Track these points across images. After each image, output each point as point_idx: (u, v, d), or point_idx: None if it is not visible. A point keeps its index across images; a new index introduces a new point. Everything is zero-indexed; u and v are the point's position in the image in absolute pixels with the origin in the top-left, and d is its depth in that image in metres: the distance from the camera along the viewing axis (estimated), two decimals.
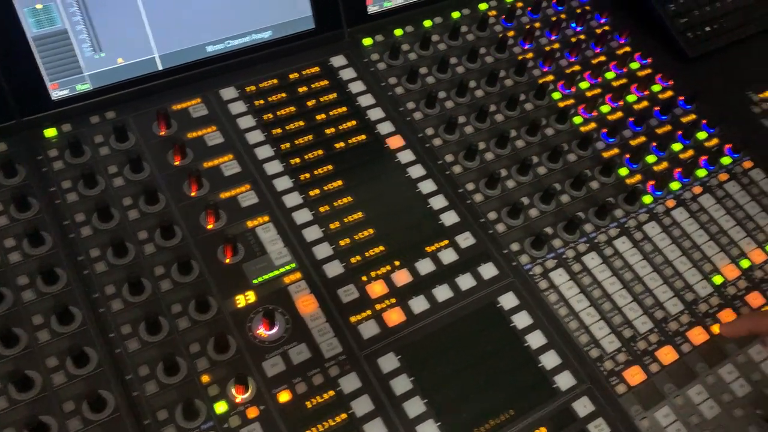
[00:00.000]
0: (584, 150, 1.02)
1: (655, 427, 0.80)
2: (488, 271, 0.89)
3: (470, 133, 1.01)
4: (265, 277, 0.84)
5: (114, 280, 0.80)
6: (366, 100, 1.02)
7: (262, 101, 0.99)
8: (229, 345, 0.78)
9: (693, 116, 1.10)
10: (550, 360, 0.83)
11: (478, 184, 0.96)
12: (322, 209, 0.90)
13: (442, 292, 0.86)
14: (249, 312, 0.81)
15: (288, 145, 0.95)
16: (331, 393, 0.77)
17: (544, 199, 0.95)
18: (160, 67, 0.96)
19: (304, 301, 0.83)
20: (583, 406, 0.81)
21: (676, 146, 1.06)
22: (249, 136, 0.95)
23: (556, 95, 1.08)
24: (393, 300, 0.85)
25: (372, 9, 1.09)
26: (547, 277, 0.90)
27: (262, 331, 0.79)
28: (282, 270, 0.84)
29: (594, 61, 1.13)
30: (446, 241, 0.91)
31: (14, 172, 0.86)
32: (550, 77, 1.10)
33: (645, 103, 1.10)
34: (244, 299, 0.82)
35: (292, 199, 0.90)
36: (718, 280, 0.93)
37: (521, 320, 0.86)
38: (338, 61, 1.05)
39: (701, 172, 1.03)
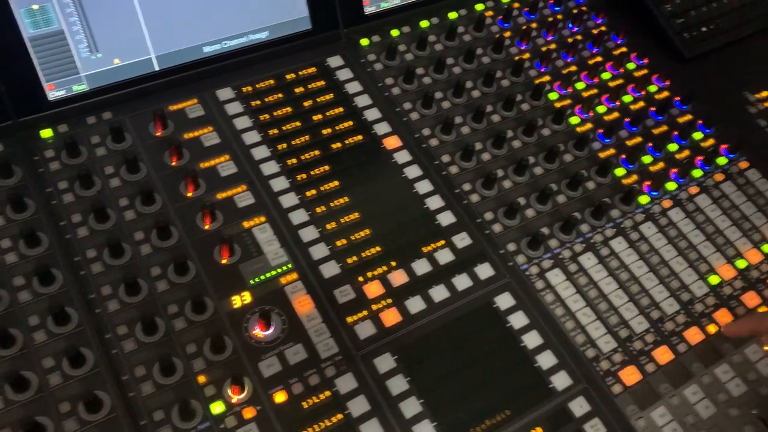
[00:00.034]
0: (580, 150, 1.02)
1: (651, 427, 0.81)
2: (485, 271, 0.89)
3: (467, 134, 1.01)
4: (262, 277, 0.84)
5: (110, 281, 0.80)
6: (363, 100, 1.02)
7: (258, 102, 0.99)
8: (226, 345, 0.78)
9: (689, 116, 1.10)
10: (546, 360, 0.83)
11: (475, 184, 0.96)
12: (318, 210, 0.90)
13: (439, 293, 0.86)
14: (245, 312, 0.81)
15: (284, 145, 0.95)
16: (328, 393, 0.77)
17: (541, 199, 0.95)
18: (157, 68, 0.96)
19: (301, 301, 0.83)
20: (579, 406, 0.81)
21: (672, 146, 1.06)
22: (245, 137, 0.95)
23: (553, 96, 1.08)
24: (389, 300, 0.85)
25: (369, 10, 1.09)
26: (544, 277, 0.90)
27: (259, 332, 0.79)
28: (278, 270, 0.85)
29: (590, 62, 1.13)
30: (443, 242, 0.91)
31: (10, 172, 0.86)
32: (547, 78, 1.10)
33: (641, 104, 1.10)
34: (240, 300, 0.82)
35: (289, 200, 0.91)
36: (714, 280, 0.93)
37: (517, 320, 0.86)
38: (335, 61, 1.05)
39: (697, 173, 1.04)
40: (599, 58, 1.14)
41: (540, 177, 0.99)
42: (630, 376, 0.84)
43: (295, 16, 1.04)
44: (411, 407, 0.77)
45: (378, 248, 0.88)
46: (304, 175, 0.93)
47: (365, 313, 0.83)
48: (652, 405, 0.82)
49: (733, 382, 0.85)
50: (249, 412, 0.74)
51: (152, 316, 0.76)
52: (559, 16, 1.18)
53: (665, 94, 1.12)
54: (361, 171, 0.95)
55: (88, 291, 0.79)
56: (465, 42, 1.12)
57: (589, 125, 1.06)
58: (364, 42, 1.08)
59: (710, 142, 1.08)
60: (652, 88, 1.13)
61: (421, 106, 1.02)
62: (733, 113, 1.13)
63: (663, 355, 0.86)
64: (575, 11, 1.18)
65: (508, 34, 1.14)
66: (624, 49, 1.15)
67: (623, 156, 1.03)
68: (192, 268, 0.83)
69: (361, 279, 0.86)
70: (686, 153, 1.06)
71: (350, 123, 0.99)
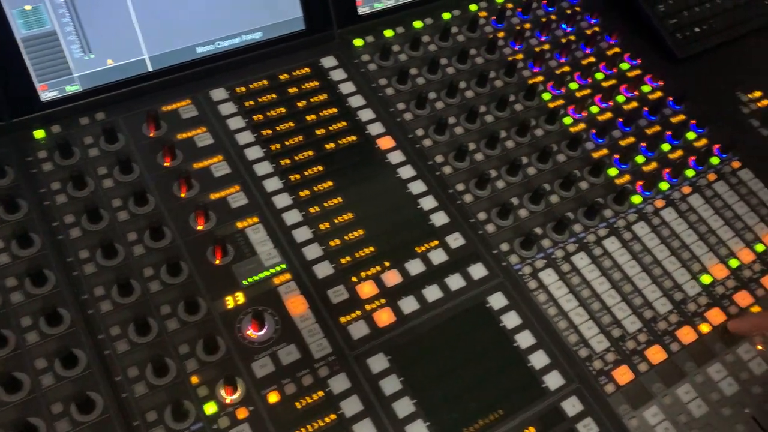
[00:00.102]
0: (574, 150, 1.02)
1: (644, 427, 0.81)
2: (478, 271, 0.89)
3: (460, 134, 1.01)
4: (255, 278, 0.84)
5: (103, 282, 0.80)
6: (356, 101, 1.02)
7: (252, 102, 0.99)
8: (219, 346, 0.78)
9: (682, 117, 1.11)
10: (539, 360, 0.83)
11: (468, 184, 0.96)
12: (312, 210, 0.90)
13: (432, 293, 0.86)
14: (238, 313, 0.81)
15: (278, 146, 0.95)
16: (321, 393, 0.77)
17: (534, 199, 0.96)
18: (150, 69, 0.96)
19: (294, 302, 0.83)
20: (571, 406, 0.81)
21: (665, 146, 1.06)
22: (239, 137, 0.95)
23: (546, 96, 1.08)
24: (383, 300, 0.85)
25: (362, 10, 1.10)
26: (537, 277, 0.90)
27: (252, 332, 0.79)
28: (272, 271, 0.85)
29: (584, 62, 1.13)
30: (436, 242, 0.91)
31: (3, 173, 0.86)
32: (540, 78, 1.10)
33: (634, 104, 1.11)
34: (233, 300, 0.82)
35: (282, 200, 0.91)
36: (706, 279, 0.93)
37: (510, 320, 0.86)
38: (328, 62, 1.05)
39: (690, 172, 1.04)
40: (592, 59, 1.14)
41: (533, 177, 0.99)
42: (623, 375, 0.84)
43: (289, 16, 1.04)
44: (404, 407, 0.78)
45: (371, 248, 0.89)
46: (297, 176, 0.93)
47: (358, 313, 0.83)
48: (644, 404, 0.82)
49: (726, 381, 0.85)
50: (242, 413, 0.74)
51: (145, 316, 0.76)
52: (553, 17, 1.18)
53: (658, 94, 1.13)
54: (354, 171, 0.95)
55: (80, 292, 0.79)
56: (459, 42, 1.12)
57: (582, 125, 1.06)
58: (358, 42, 1.08)
59: (703, 142, 1.08)
60: (646, 89, 1.13)
61: (415, 106, 1.02)
62: (726, 113, 1.14)
63: (656, 354, 0.86)
64: (569, 12, 1.18)
65: (501, 34, 1.14)
66: (617, 50, 1.16)
67: (616, 156, 1.03)
68: (185, 269, 0.82)
69: (354, 279, 0.86)
70: (679, 153, 1.06)
71: (344, 123, 1.00)
